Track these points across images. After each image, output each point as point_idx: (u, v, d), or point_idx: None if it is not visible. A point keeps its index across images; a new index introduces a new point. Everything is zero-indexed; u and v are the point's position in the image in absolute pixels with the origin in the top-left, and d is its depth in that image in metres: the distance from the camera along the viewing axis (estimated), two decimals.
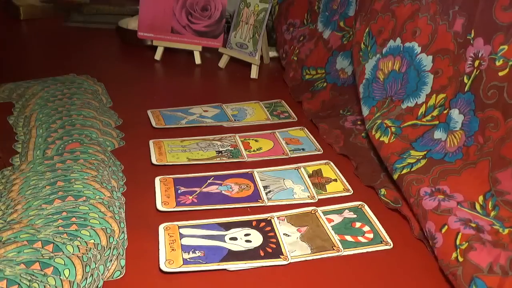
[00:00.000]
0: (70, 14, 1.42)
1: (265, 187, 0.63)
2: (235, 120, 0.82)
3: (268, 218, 0.57)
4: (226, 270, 0.49)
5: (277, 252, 0.51)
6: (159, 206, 0.58)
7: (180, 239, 0.52)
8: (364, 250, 0.53)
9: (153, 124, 0.79)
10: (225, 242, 0.53)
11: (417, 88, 0.63)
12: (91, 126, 0.72)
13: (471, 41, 0.55)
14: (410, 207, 0.57)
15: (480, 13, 0.54)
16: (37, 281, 0.41)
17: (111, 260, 0.49)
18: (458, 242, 0.47)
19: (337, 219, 0.58)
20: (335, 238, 0.54)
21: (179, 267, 0.48)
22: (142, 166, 0.67)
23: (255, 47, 1.00)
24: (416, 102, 0.63)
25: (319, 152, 0.74)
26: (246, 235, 0.54)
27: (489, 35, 0.52)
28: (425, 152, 0.59)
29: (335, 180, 0.66)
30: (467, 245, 0.46)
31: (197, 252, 0.51)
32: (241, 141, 0.75)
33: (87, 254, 0.46)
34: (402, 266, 0.52)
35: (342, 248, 0.53)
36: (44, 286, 0.42)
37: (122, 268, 0.49)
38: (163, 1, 1.06)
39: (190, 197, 0.60)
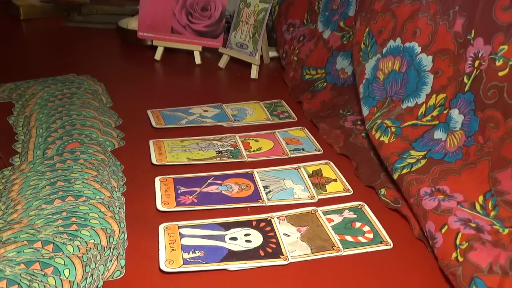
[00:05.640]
0: (70, 14, 1.42)
1: (265, 187, 0.63)
2: (235, 120, 0.82)
3: (268, 218, 0.57)
4: (226, 270, 0.49)
5: (277, 252, 0.52)
6: (159, 206, 0.58)
7: (180, 239, 0.52)
8: (364, 250, 0.53)
9: (153, 124, 0.79)
10: (225, 242, 0.53)
11: (417, 88, 0.63)
12: (91, 126, 0.72)
13: (471, 41, 0.55)
14: (410, 207, 0.57)
15: (480, 13, 0.54)
16: (37, 281, 0.41)
17: (111, 260, 0.49)
18: (458, 242, 0.47)
19: (337, 219, 0.58)
20: (335, 238, 0.54)
21: (179, 267, 0.48)
22: (142, 166, 0.67)
23: (255, 47, 1.00)
24: (416, 102, 0.63)
25: (319, 152, 0.74)
26: (246, 235, 0.54)
27: (489, 35, 0.52)
28: (425, 152, 0.59)
29: (335, 180, 0.66)
30: (467, 245, 0.46)
31: (197, 252, 0.51)
32: (241, 141, 0.75)
33: (87, 254, 0.46)
34: (402, 266, 0.52)
35: (342, 248, 0.53)
36: (44, 286, 0.42)
37: (122, 268, 0.49)
38: (163, 1, 1.06)
39: (190, 197, 0.60)
